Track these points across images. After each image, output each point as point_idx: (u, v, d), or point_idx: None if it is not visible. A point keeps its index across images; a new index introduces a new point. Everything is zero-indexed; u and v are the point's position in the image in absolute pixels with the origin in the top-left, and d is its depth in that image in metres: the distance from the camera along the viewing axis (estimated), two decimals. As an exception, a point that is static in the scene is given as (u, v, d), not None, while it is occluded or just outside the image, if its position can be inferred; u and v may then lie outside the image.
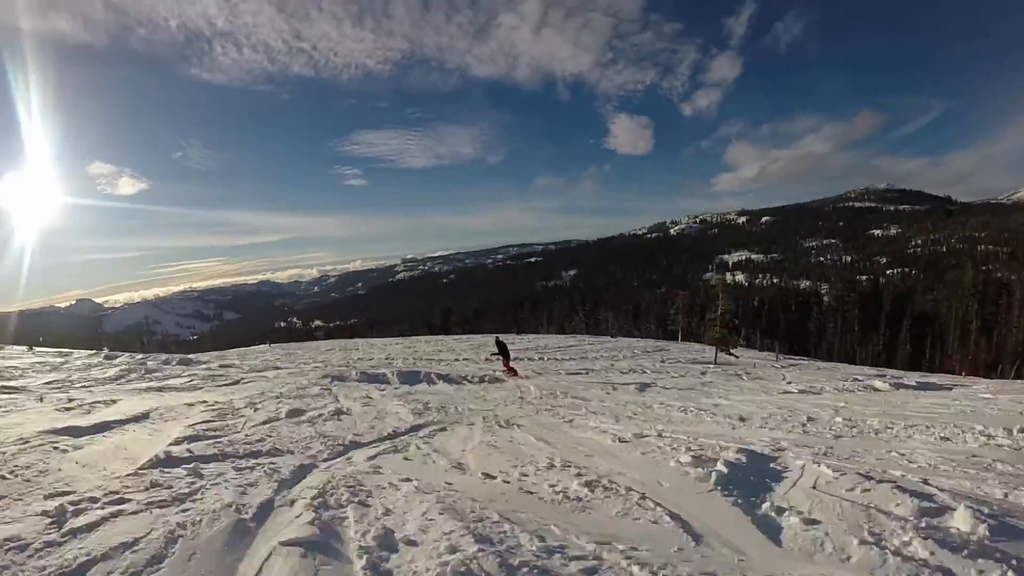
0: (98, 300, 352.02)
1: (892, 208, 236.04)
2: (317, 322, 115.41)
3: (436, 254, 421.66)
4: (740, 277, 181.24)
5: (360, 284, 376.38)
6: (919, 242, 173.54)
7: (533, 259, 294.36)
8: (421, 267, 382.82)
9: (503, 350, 18.95)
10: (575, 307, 77.61)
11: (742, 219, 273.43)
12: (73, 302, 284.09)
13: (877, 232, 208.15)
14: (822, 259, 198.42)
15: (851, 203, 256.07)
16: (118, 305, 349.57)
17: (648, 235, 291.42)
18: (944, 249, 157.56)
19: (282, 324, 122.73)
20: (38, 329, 57.24)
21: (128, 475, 4.73)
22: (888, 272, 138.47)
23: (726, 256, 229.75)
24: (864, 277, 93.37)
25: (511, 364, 18.58)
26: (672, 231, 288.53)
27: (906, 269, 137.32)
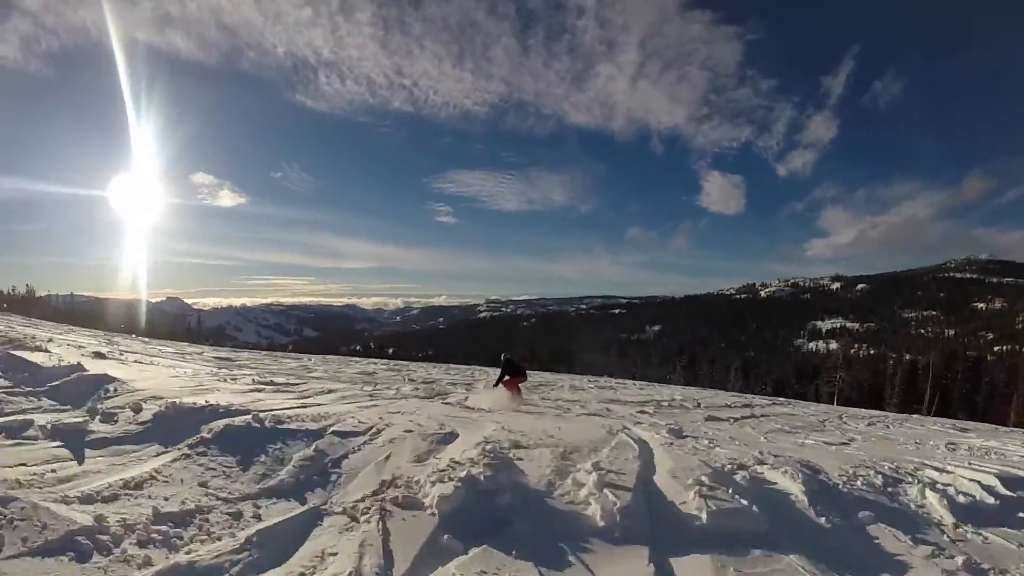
0: (188, 300, 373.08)
1: (995, 280, 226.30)
2: (391, 349, 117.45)
3: (520, 297, 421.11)
4: (834, 345, 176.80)
5: (442, 319, 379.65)
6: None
7: (617, 311, 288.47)
8: (504, 308, 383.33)
9: (513, 370, 14.09)
10: (670, 359, 77.26)
11: (836, 285, 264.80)
12: (164, 298, 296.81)
13: (980, 305, 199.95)
14: (922, 331, 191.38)
15: (951, 273, 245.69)
16: (206, 308, 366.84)
17: (737, 296, 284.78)
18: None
19: (357, 348, 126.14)
20: (128, 317, 60.85)
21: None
22: (996, 349, 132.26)
23: (819, 323, 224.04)
24: (973, 353, 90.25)
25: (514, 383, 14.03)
26: (762, 293, 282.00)
27: (1017, 346, 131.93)
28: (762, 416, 15.80)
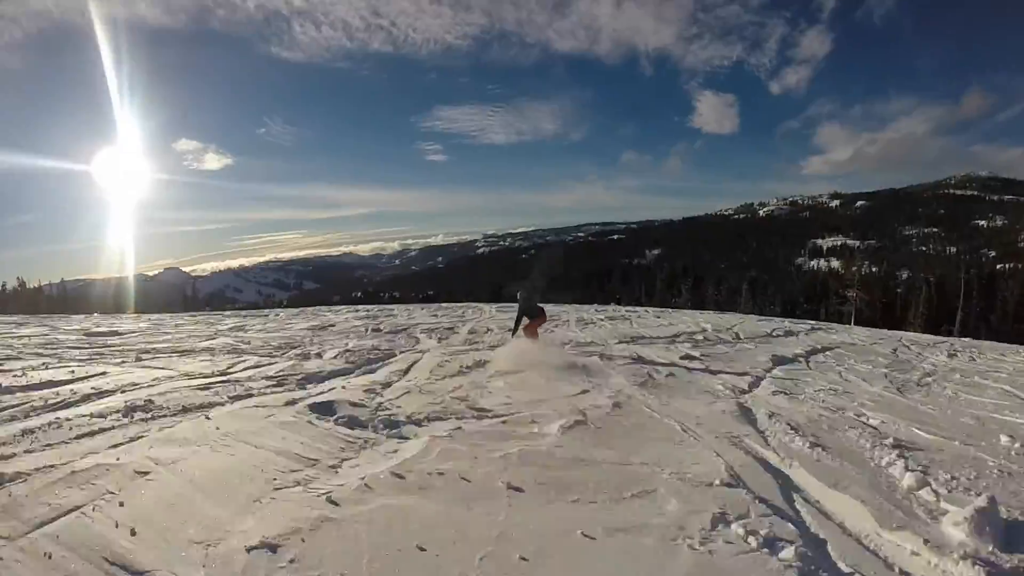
0: (186, 269, 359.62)
1: (996, 198, 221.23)
2: (395, 293, 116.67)
3: (517, 230, 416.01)
4: (836, 264, 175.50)
5: (441, 258, 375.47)
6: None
7: (615, 236, 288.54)
8: (502, 243, 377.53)
9: (531, 310, 11.99)
10: (674, 281, 75.25)
11: (835, 203, 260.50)
12: (162, 270, 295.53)
13: (982, 223, 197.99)
14: (924, 248, 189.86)
15: (951, 191, 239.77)
16: (205, 274, 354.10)
17: (735, 216, 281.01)
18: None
19: (359, 294, 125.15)
20: (125, 295, 59.76)
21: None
22: (999, 267, 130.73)
23: (820, 241, 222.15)
24: (975, 271, 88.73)
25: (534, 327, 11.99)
26: (761, 212, 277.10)
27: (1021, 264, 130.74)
28: (826, 350, 13.74)
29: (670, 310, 31.74)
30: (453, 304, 33.69)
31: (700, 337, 15.02)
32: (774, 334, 16.72)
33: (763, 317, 29.68)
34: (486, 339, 13.83)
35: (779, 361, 11.17)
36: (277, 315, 24.51)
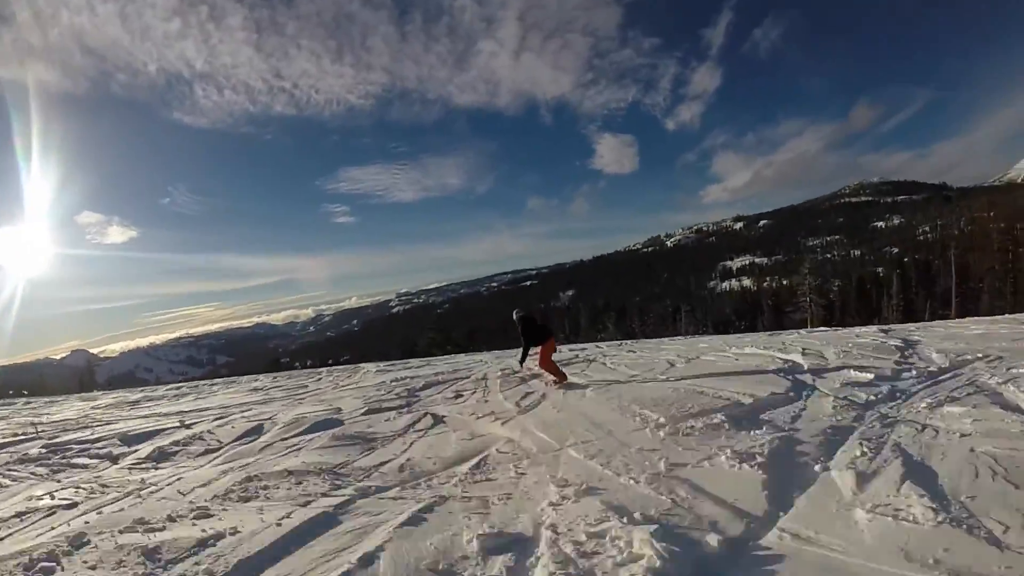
0: (94, 350, 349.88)
1: (890, 200, 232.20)
2: (309, 361, 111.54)
3: (430, 286, 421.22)
4: (747, 282, 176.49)
5: (355, 321, 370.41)
6: (927, 228, 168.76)
7: (528, 283, 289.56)
8: (416, 300, 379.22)
9: (536, 333, 10.14)
10: (597, 315, 71.85)
11: (738, 225, 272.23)
12: (68, 353, 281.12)
13: (880, 224, 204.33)
14: (829, 255, 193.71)
15: (847, 199, 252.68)
16: (114, 354, 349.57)
17: (644, 249, 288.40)
18: (956, 232, 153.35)
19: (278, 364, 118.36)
20: (32, 382, 55.77)
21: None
22: (904, 260, 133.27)
23: (728, 263, 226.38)
24: (880, 269, 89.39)
25: (551, 364, 10.08)
26: (668, 243, 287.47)
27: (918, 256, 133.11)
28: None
29: (628, 342, 24.42)
30: (347, 366, 28.45)
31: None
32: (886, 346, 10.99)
33: (738, 335, 23.51)
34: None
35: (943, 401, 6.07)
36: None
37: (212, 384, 22.10)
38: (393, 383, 13.59)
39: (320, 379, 18.18)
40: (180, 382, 31.80)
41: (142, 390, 24.36)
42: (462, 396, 10.39)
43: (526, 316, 10.38)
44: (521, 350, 10.51)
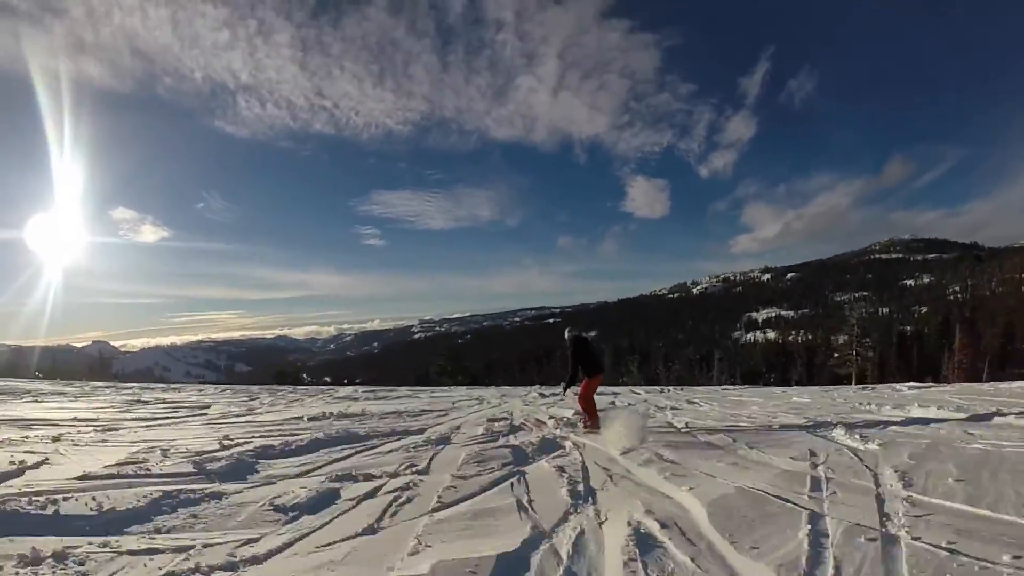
0: (115, 343, 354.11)
1: (920, 258, 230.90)
2: (327, 378, 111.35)
3: (454, 316, 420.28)
4: (772, 335, 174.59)
5: (376, 343, 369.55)
6: (957, 288, 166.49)
7: (552, 320, 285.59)
8: (438, 328, 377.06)
9: (588, 360, 9.00)
10: (621, 358, 70.92)
11: (766, 276, 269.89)
12: (89, 343, 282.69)
13: (909, 282, 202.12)
14: (857, 312, 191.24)
15: (876, 255, 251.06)
16: (135, 349, 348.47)
17: (670, 295, 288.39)
18: (988, 293, 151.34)
19: (291, 379, 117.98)
20: (51, 366, 55.45)
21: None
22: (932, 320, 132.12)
23: (754, 314, 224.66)
24: (908, 328, 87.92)
25: (591, 404, 8.90)
26: (694, 290, 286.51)
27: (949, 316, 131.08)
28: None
29: (671, 388, 22.11)
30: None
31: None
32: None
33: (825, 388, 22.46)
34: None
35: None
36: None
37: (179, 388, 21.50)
38: (320, 420, 10.30)
39: (272, 398, 16.27)
40: (200, 383, 31.06)
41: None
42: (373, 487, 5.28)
43: (581, 337, 9.16)
44: (569, 375, 9.02)
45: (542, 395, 16.87)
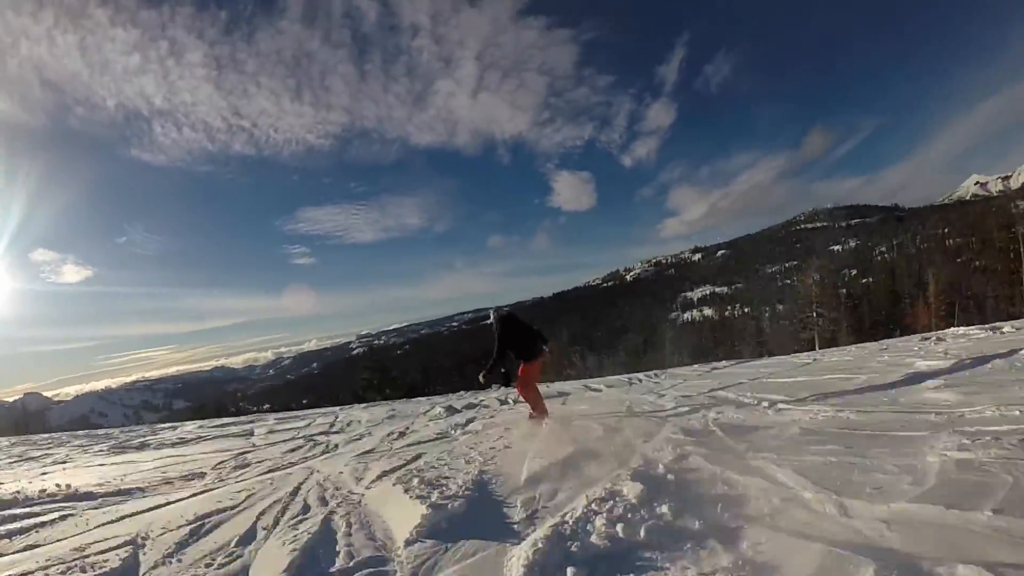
0: (47, 393, 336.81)
1: (844, 224, 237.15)
2: (267, 405, 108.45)
3: (391, 327, 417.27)
4: (709, 312, 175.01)
5: (315, 364, 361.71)
6: (883, 249, 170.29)
7: (488, 321, 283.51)
8: (376, 341, 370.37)
9: (521, 340, 7.69)
10: (563, 351, 67.67)
11: (697, 256, 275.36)
12: (20, 396, 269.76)
13: (836, 248, 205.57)
14: (789, 281, 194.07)
15: (802, 225, 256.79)
16: (68, 398, 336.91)
17: (604, 284, 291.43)
18: (914, 250, 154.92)
19: (232, 410, 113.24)
20: None
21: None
22: (863, 281, 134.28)
23: (689, 293, 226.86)
24: (844, 290, 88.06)
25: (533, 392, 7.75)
26: (628, 277, 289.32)
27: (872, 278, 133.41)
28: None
29: (643, 375, 17.66)
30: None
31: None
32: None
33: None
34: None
35: None
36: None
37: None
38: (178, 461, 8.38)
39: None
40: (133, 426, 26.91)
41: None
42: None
43: (510, 315, 7.90)
44: (492, 360, 7.44)
45: (452, 408, 11.86)
